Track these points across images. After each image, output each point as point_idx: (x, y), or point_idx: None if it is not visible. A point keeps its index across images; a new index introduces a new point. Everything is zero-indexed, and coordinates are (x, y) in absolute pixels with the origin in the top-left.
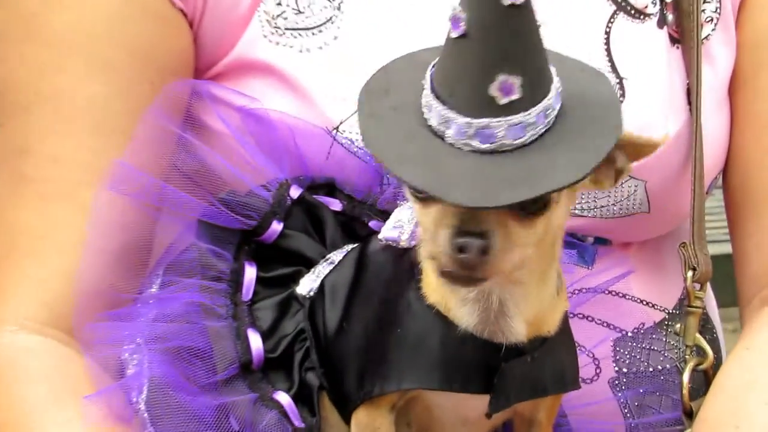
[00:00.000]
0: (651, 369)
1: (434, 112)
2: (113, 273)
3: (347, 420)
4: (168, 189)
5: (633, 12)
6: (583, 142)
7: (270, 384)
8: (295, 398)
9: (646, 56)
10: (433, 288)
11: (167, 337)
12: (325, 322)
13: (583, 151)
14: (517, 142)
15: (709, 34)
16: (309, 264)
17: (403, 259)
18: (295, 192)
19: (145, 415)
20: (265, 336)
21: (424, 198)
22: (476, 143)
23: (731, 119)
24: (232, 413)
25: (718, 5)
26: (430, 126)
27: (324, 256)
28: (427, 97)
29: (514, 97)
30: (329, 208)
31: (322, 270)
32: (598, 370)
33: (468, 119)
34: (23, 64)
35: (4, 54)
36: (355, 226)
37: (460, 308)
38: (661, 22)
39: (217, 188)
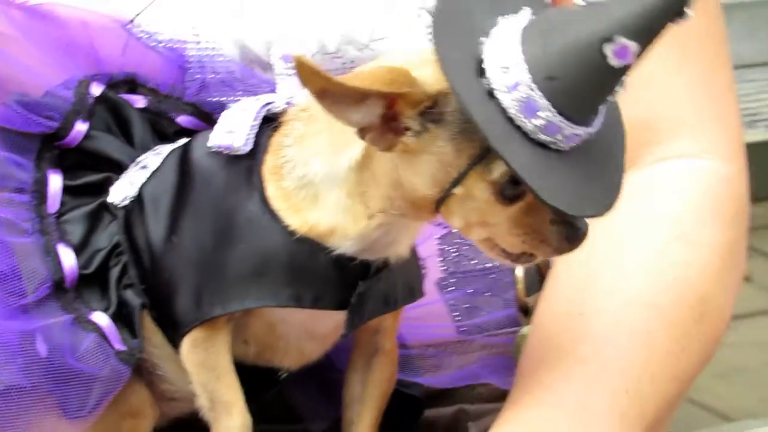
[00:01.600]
0: (480, 267)
1: (554, 128)
2: None
3: (174, 340)
4: None
5: None
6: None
7: (85, 304)
8: (114, 318)
9: None
10: (294, 213)
11: None
12: (149, 235)
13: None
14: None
15: None
16: (119, 169)
17: (237, 167)
18: (96, 89)
19: None
20: (77, 251)
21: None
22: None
23: None
24: (47, 337)
25: None
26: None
27: (134, 159)
28: (551, 117)
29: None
30: (134, 106)
31: (135, 175)
32: (423, 271)
33: (590, 129)
34: None
35: None
36: (163, 123)
37: (340, 241)
38: None
39: (7, 93)
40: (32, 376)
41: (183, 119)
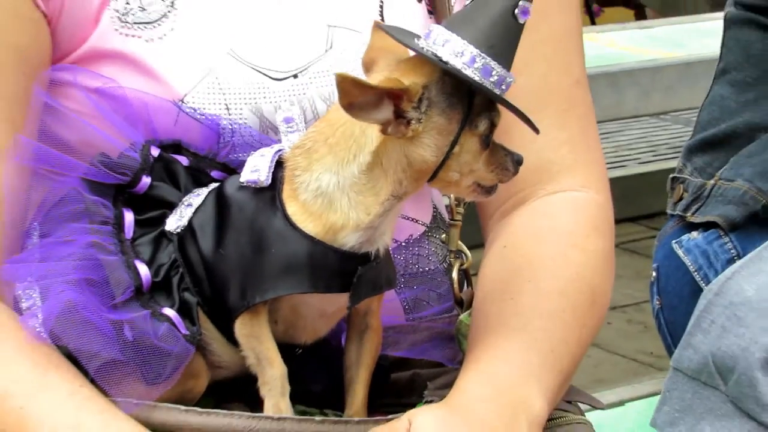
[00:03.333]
0: (421, 270)
1: (502, 79)
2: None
3: (221, 327)
4: (57, 155)
5: None
6: None
7: (157, 303)
8: (178, 312)
9: (410, 25)
10: (313, 220)
11: (66, 272)
12: (201, 251)
13: None
14: None
15: (453, 5)
16: (171, 207)
17: (262, 196)
18: (154, 151)
19: (45, 335)
20: (148, 265)
21: (487, 144)
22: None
23: None
24: (133, 327)
25: None
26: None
27: (181, 200)
28: (500, 72)
29: None
30: (180, 163)
31: (183, 210)
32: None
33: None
34: None
35: None
36: (201, 176)
37: (351, 234)
38: None
39: (92, 154)
40: (125, 353)
41: (216, 173)
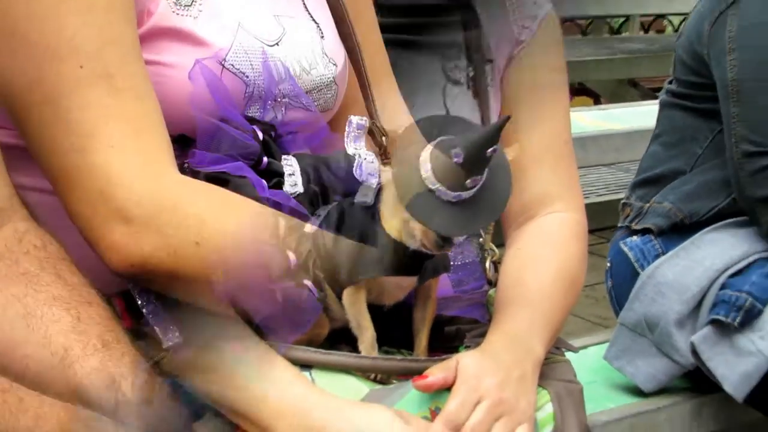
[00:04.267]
0: (462, 262)
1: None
2: None
3: (337, 293)
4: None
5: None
6: (491, 198)
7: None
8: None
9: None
10: (393, 229)
11: None
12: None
13: (491, 205)
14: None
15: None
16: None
17: (367, 211)
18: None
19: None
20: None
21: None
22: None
23: None
24: (284, 294)
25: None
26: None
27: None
28: (435, 184)
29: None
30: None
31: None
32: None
33: (461, 194)
34: None
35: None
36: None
37: (411, 239)
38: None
39: None
40: (278, 310)
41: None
